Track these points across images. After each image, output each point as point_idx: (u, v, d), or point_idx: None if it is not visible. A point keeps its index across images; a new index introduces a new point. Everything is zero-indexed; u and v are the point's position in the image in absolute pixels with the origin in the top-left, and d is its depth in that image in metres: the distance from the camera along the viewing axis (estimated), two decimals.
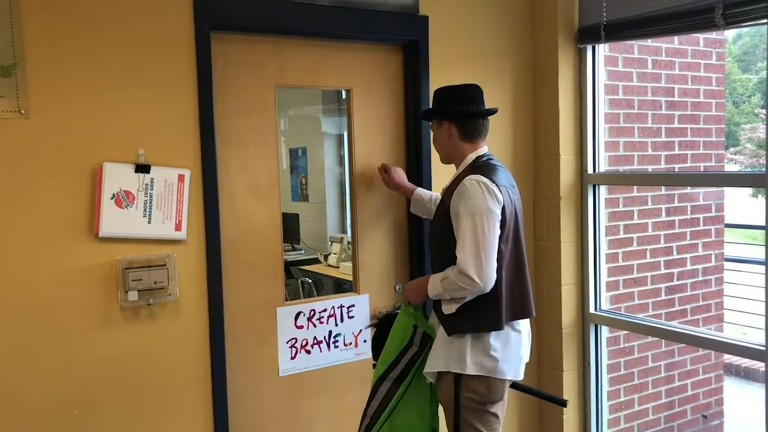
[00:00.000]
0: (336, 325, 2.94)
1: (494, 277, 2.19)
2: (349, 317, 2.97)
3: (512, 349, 2.30)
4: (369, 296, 3.01)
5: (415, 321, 2.39)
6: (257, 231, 2.74)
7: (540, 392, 2.94)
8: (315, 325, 2.89)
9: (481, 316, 2.24)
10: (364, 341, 2.99)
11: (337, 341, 2.94)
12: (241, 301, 2.71)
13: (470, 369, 2.24)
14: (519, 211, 2.36)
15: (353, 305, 2.98)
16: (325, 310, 2.92)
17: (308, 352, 2.88)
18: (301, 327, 2.86)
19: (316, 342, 2.89)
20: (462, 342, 2.26)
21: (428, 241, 2.74)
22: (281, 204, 2.79)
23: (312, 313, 2.88)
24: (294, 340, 2.84)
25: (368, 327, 2.51)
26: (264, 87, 2.74)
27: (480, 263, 2.15)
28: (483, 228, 2.17)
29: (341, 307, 2.96)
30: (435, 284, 2.28)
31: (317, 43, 2.84)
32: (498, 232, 2.21)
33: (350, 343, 2.97)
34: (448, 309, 2.28)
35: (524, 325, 2.39)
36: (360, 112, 2.97)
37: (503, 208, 2.23)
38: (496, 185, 2.23)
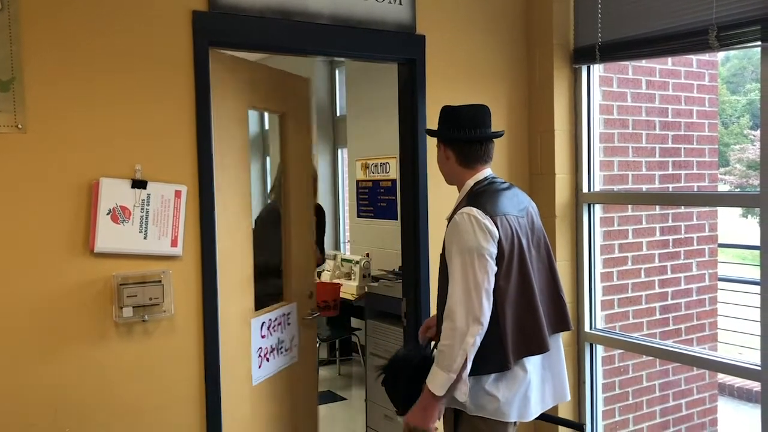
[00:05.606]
0: (282, 332, 3.08)
1: (487, 317, 2.04)
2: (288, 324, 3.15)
3: (518, 389, 2.14)
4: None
5: None
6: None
7: (553, 417, 2.77)
8: (271, 334, 3.00)
9: (487, 357, 2.08)
10: (295, 346, 3.18)
11: (282, 348, 3.11)
12: (230, 316, 2.70)
13: (470, 410, 2.13)
14: (528, 237, 2.21)
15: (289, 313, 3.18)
16: (276, 319, 3.04)
17: (267, 360, 2.98)
18: (264, 336, 2.96)
19: (271, 350, 3.01)
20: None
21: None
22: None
23: (270, 322, 3.00)
24: (260, 350, 2.93)
25: (378, 376, 2.39)
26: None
27: (471, 307, 2.01)
28: (473, 268, 2.03)
29: (285, 315, 3.13)
30: (434, 376, 2.05)
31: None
32: (492, 269, 2.06)
33: (288, 349, 3.15)
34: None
35: (536, 364, 2.21)
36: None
37: (500, 242, 2.08)
38: (491, 217, 2.08)
